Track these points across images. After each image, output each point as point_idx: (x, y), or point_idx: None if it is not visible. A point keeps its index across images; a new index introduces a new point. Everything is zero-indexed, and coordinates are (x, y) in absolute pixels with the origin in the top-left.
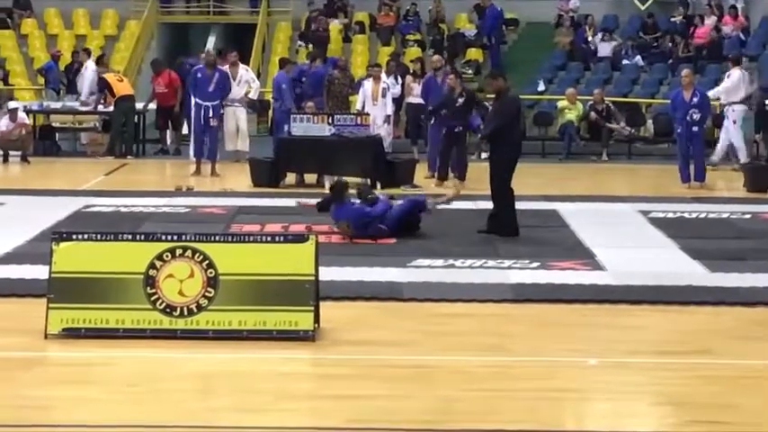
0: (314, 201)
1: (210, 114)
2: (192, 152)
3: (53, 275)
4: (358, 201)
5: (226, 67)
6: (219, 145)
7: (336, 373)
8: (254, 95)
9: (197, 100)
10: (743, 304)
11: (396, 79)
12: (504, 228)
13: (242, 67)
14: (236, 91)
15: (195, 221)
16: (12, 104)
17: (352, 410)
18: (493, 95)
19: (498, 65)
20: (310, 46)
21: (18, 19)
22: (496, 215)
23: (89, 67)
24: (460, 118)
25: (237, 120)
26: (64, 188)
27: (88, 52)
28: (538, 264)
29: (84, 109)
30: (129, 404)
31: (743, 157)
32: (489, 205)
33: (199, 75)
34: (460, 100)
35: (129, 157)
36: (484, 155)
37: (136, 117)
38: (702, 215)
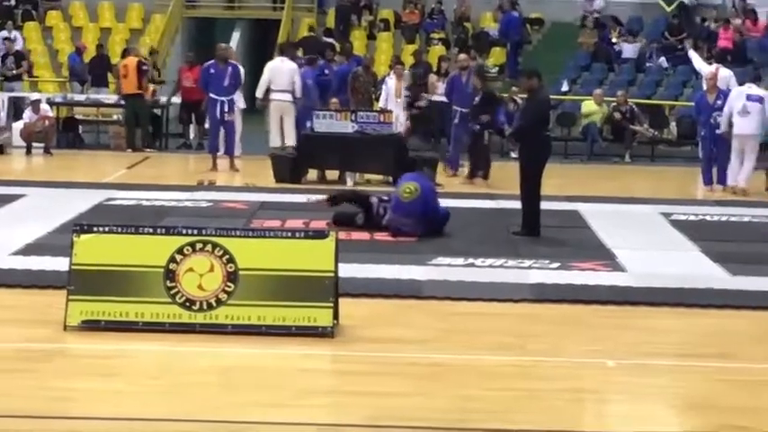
0: (322, 197)
1: (226, 109)
2: (208, 148)
3: (73, 267)
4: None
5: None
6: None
7: (356, 369)
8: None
9: (212, 95)
10: (764, 308)
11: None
12: (525, 227)
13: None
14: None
15: (216, 216)
16: (34, 96)
17: (372, 407)
18: (525, 94)
19: (516, 69)
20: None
21: (43, 11)
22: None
23: None
24: (476, 117)
25: (287, 114)
26: (86, 181)
27: None
28: (558, 264)
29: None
30: (151, 397)
31: None
32: (511, 204)
33: (212, 70)
34: (477, 98)
35: (147, 150)
36: (513, 154)
37: (159, 111)
38: (724, 218)
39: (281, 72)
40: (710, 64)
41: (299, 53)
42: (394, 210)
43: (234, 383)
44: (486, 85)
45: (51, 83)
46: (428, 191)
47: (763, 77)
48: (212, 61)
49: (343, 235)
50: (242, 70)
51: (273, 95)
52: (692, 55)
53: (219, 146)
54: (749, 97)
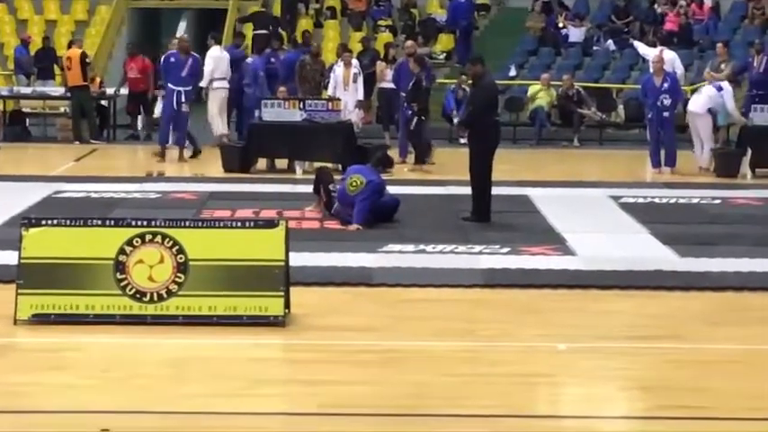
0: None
1: (183, 99)
2: (159, 138)
3: (22, 261)
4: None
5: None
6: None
7: (307, 358)
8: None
9: (170, 85)
10: (712, 289)
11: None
12: (475, 212)
13: None
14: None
15: (166, 207)
16: None
17: (325, 396)
18: (471, 81)
19: (465, 55)
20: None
21: None
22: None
23: None
24: (409, 102)
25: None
26: (34, 174)
27: None
28: (508, 249)
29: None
30: (103, 390)
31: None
32: (461, 190)
33: (172, 59)
34: (410, 84)
35: (94, 142)
36: (462, 140)
37: (106, 102)
38: (673, 200)
39: (222, 60)
40: (655, 47)
41: (251, 26)
42: (340, 200)
43: (185, 374)
44: (420, 71)
45: None
46: (374, 185)
47: (707, 59)
48: (173, 51)
49: (293, 224)
50: (200, 61)
51: (216, 84)
52: (637, 44)
53: (170, 137)
54: (711, 82)
